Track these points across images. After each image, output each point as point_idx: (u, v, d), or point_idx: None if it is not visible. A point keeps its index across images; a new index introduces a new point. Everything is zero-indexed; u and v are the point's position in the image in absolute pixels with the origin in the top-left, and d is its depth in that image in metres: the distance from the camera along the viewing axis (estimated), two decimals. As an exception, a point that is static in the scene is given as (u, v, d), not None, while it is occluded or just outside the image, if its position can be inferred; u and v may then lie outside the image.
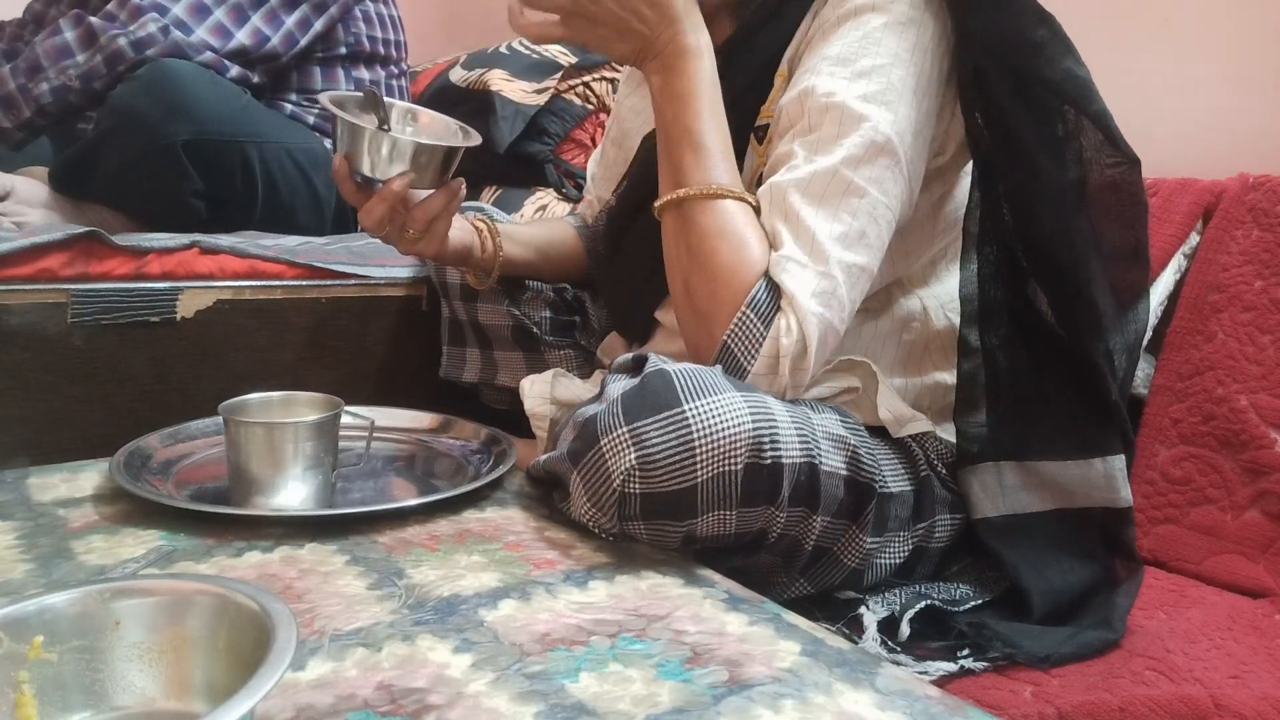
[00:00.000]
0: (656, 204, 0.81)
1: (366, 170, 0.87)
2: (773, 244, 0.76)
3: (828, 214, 0.75)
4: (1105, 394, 0.82)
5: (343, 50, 1.56)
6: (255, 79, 1.44)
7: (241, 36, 1.40)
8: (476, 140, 0.92)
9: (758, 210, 0.79)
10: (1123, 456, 0.83)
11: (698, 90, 0.80)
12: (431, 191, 0.90)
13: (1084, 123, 0.80)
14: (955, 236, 0.90)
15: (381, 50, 1.62)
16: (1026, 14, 0.80)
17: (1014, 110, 0.80)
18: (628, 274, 0.98)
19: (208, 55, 1.37)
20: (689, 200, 0.78)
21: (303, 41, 1.48)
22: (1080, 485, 0.83)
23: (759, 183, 0.85)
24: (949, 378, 0.90)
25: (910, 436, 0.85)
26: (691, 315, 0.78)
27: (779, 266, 0.74)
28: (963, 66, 0.82)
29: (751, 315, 0.73)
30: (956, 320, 0.88)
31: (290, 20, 1.46)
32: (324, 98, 0.90)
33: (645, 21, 0.79)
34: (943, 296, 0.93)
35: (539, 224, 1.19)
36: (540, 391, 0.88)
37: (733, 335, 0.74)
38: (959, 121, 0.85)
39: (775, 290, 0.74)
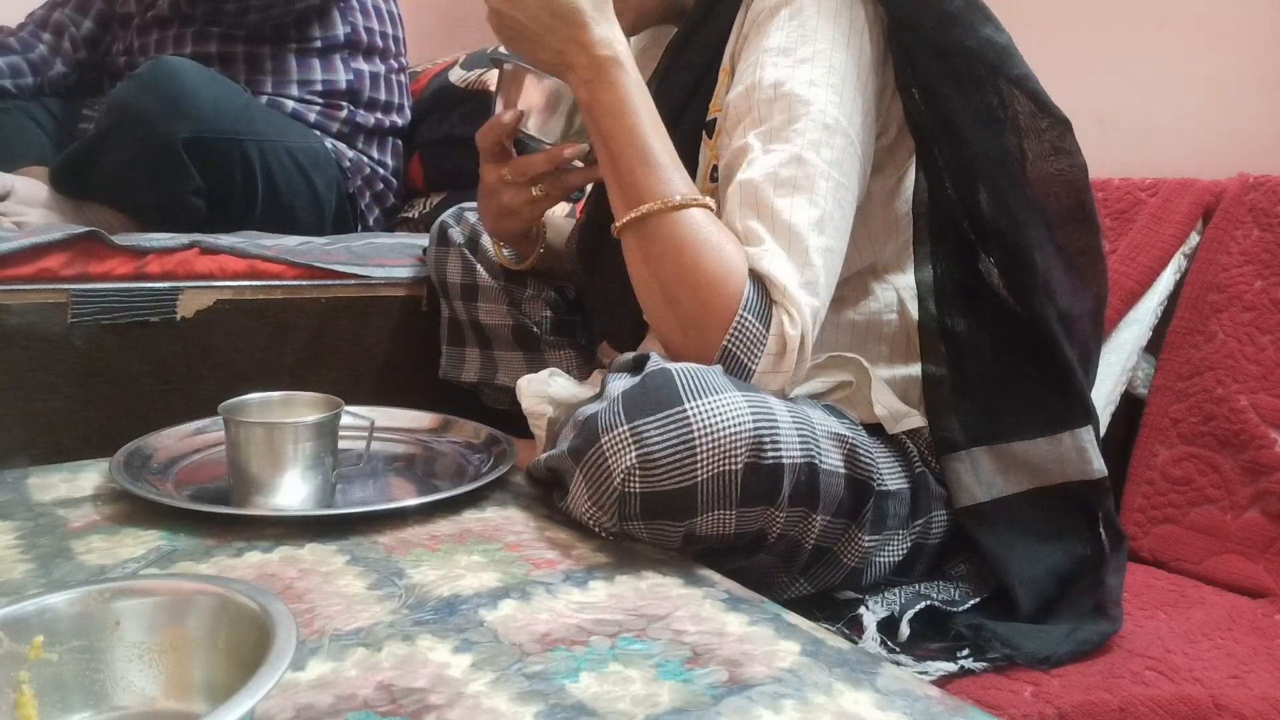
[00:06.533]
0: (617, 224, 0.79)
1: (537, 130, 0.90)
2: (747, 241, 0.76)
3: (799, 201, 0.76)
4: (1064, 366, 0.82)
5: (340, 40, 1.56)
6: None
7: None
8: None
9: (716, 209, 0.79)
10: (1090, 428, 0.83)
11: (628, 101, 0.78)
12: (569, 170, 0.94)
13: (1015, 91, 0.81)
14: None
15: (380, 43, 1.62)
16: None
17: (942, 83, 0.81)
18: (611, 285, 0.98)
19: None
20: (654, 215, 0.76)
21: None
22: (1053, 462, 0.84)
23: (713, 177, 0.85)
24: (932, 369, 0.90)
25: (904, 433, 0.85)
26: (678, 327, 0.76)
27: (763, 262, 0.74)
28: (894, 46, 0.82)
29: (750, 317, 0.73)
30: (932, 309, 0.88)
31: None
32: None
33: (553, 33, 0.78)
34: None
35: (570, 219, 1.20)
36: (537, 390, 0.88)
37: (733, 340, 0.73)
38: (898, 102, 0.85)
39: (762, 287, 0.74)
